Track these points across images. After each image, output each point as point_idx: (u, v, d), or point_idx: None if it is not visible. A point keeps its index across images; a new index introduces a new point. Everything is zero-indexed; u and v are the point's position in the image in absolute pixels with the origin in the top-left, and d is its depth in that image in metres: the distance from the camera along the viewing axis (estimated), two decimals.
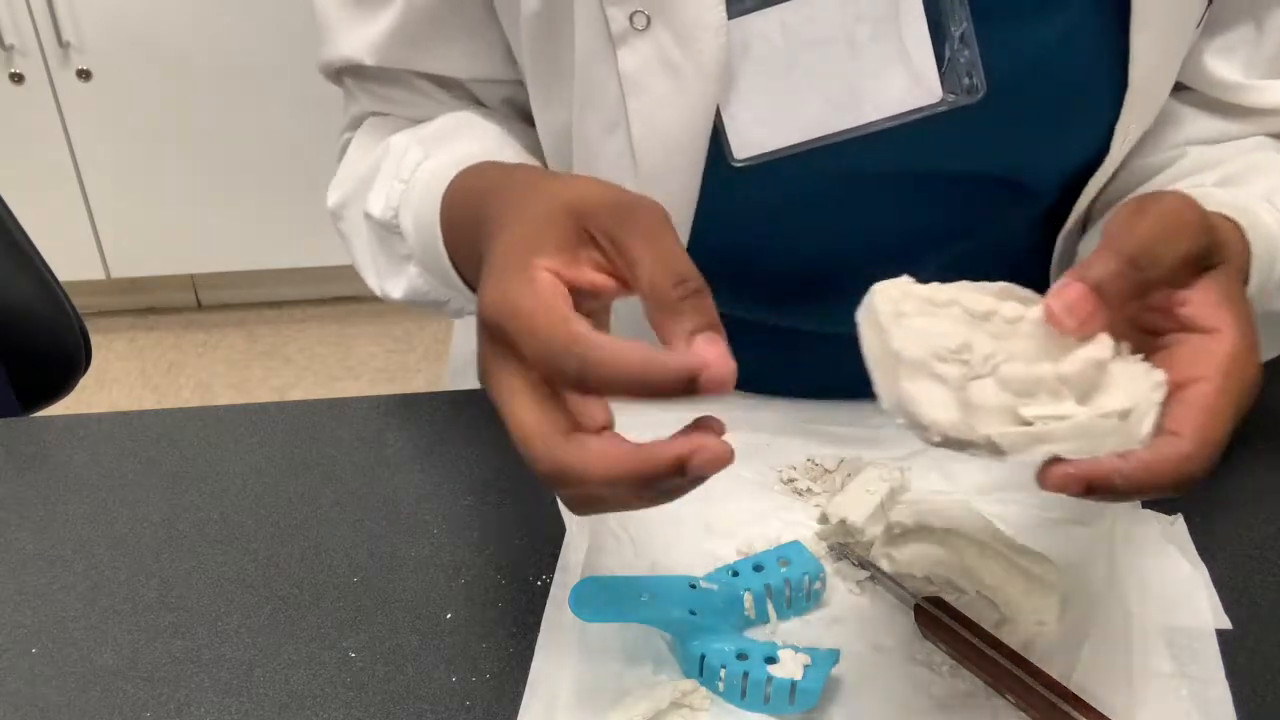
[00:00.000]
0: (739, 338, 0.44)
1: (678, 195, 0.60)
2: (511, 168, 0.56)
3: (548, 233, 0.45)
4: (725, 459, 0.42)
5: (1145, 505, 0.61)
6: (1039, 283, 0.46)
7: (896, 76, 0.57)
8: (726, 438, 0.66)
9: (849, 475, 0.62)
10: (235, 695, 0.53)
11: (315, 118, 2.08)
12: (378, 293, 0.69)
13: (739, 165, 0.59)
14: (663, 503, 0.44)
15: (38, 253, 0.97)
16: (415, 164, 0.62)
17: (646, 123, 0.59)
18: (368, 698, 0.52)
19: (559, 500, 0.46)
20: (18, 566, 0.61)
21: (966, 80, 0.56)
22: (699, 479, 0.42)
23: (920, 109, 0.57)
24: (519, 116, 0.71)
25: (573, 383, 0.42)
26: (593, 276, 0.45)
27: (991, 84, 0.56)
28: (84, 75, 2.01)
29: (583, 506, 0.45)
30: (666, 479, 0.42)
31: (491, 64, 0.67)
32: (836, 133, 0.58)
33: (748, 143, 0.58)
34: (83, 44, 1.98)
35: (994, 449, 0.42)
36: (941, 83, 0.57)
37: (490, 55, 0.67)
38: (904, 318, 0.43)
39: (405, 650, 0.55)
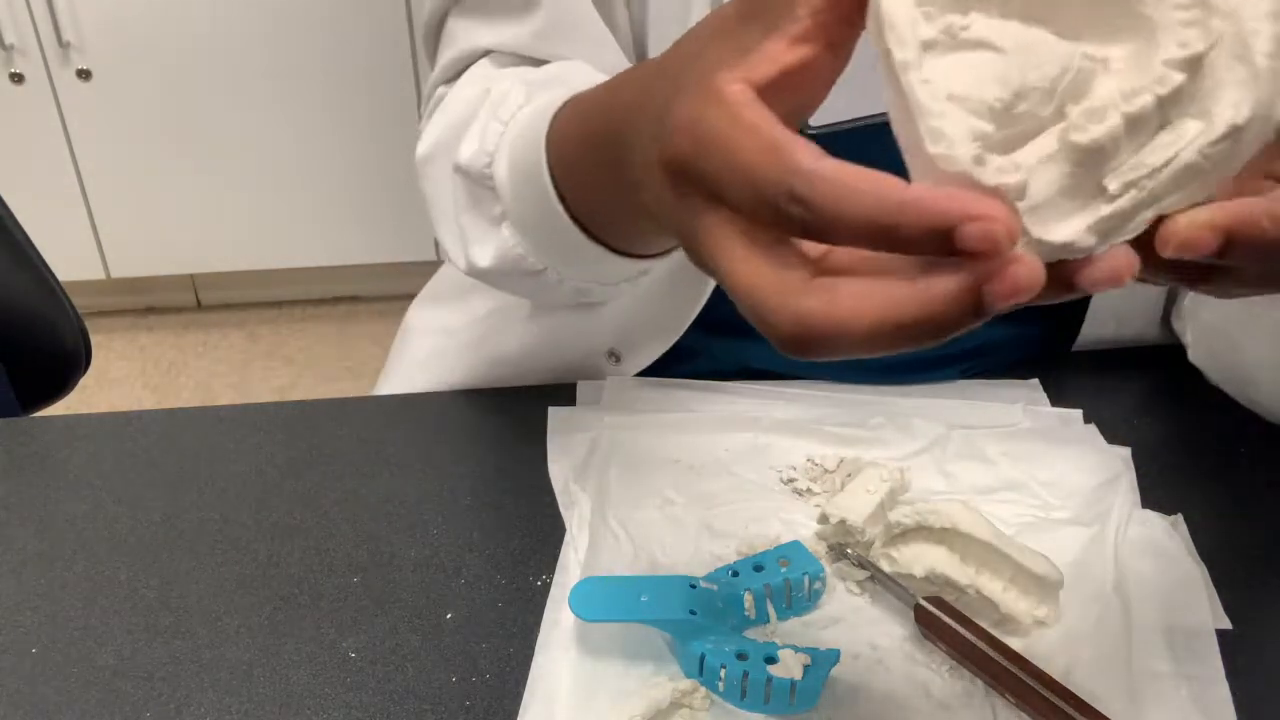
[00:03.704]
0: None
1: None
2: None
3: (718, 38, 0.37)
4: (1034, 282, 0.30)
5: (1145, 505, 0.61)
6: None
7: None
8: (726, 439, 0.67)
9: (849, 475, 0.62)
10: (235, 695, 0.53)
11: (316, 118, 2.09)
12: (460, 264, 0.62)
13: (812, 133, 0.55)
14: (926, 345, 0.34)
15: (38, 253, 0.97)
16: (516, 106, 0.56)
17: None
18: (368, 698, 0.52)
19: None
20: (18, 566, 0.60)
21: None
22: (979, 304, 0.31)
23: None
24: None
25: (795, 228, 0.32)
26: (790, 55, 0.35)
27: None
28: (84, 75, 2.01)
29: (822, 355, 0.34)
30: (954, 322, 0.31)
31: None
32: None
33: (825, 110, 0.57)
34: (83, 44, 1.98)
35: (1078, 250, 0.32)
36: None
37: None
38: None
39: (405, 650, 0.55)
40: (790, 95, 0.35)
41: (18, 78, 1.99)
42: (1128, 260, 0.32)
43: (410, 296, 0.87)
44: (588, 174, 0.50)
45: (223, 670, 0.54)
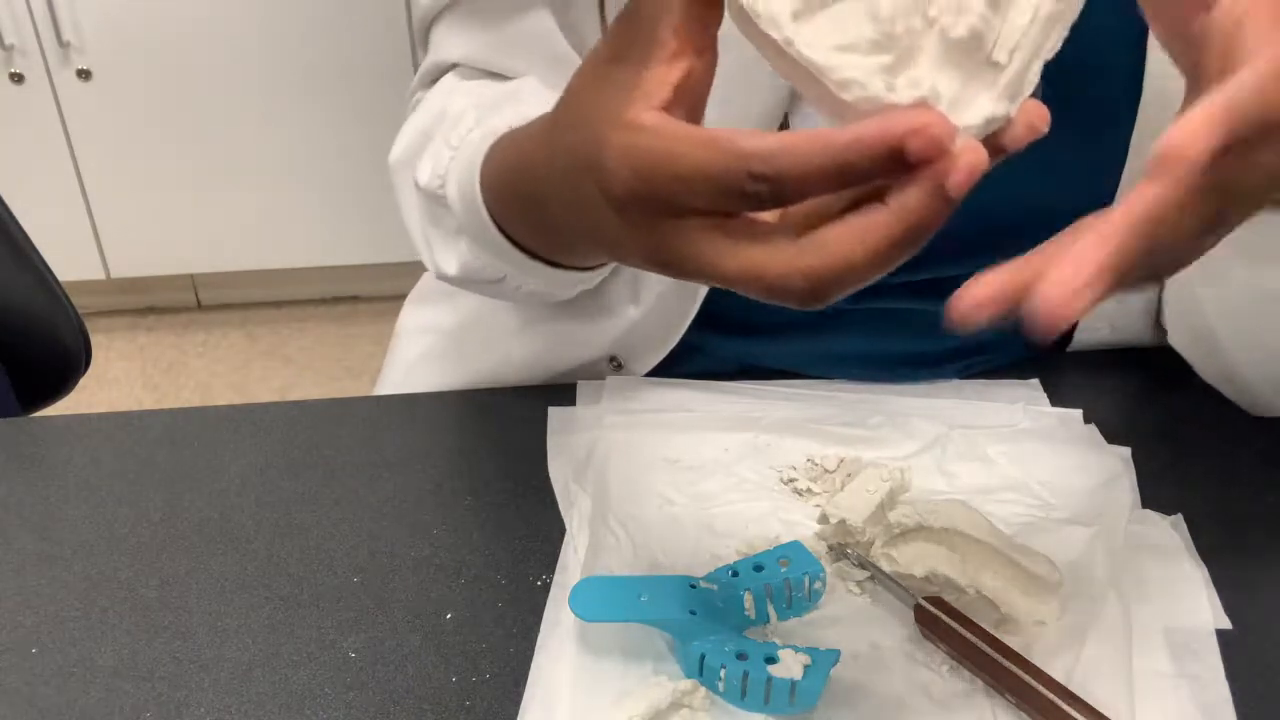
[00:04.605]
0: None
1: None
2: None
3: (601, 86, 0.41)
4: (982, 161, 0.35)
5: (1145, 505, 0.61)
6: None
7: None
8: (726, 439, 0.67)
9: (849, 475, 0.62)
10: (235, 695, 0.53)
11: (316, 118, 2.09)
12: (432, 271, 0.67)
13: None
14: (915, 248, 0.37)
15: (38, 253, 0.97)
16: (467, 130, 0.61)
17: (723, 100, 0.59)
18: (368, 698, 0.52)
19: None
20: (18, 566, 0.60)
21: None
22: (947, 198, 0.35)
23: None
24: None
25: (762, 202, 0.37)
26: (673, 74, 0.39)
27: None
28: (84, 75, 2.01)
29: (836, 296, 0.38)
30: (932, 223, 0.36)
31: None
32: None
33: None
34: (83, 44, 1.98)
35: (999, 120, 0.37)
36: None
37: None
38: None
39: (405, 650, 0.55)
40: (685, 107, 0.40)
41: (18, 78, 1.99)
42: (1037, 110, 0.37)
43: None
44: (517, 221, 0.56)
45: (223, 670, 0.54)
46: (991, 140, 0.37)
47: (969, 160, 0.34)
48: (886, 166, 0.35)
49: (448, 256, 0.64)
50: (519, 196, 0.54)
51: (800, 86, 0.38)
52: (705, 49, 0.40)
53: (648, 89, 0.39)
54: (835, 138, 0.35)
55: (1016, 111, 0.37)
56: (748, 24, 0.38)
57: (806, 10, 0.37)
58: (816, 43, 0.36)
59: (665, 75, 0.39)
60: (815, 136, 0.35)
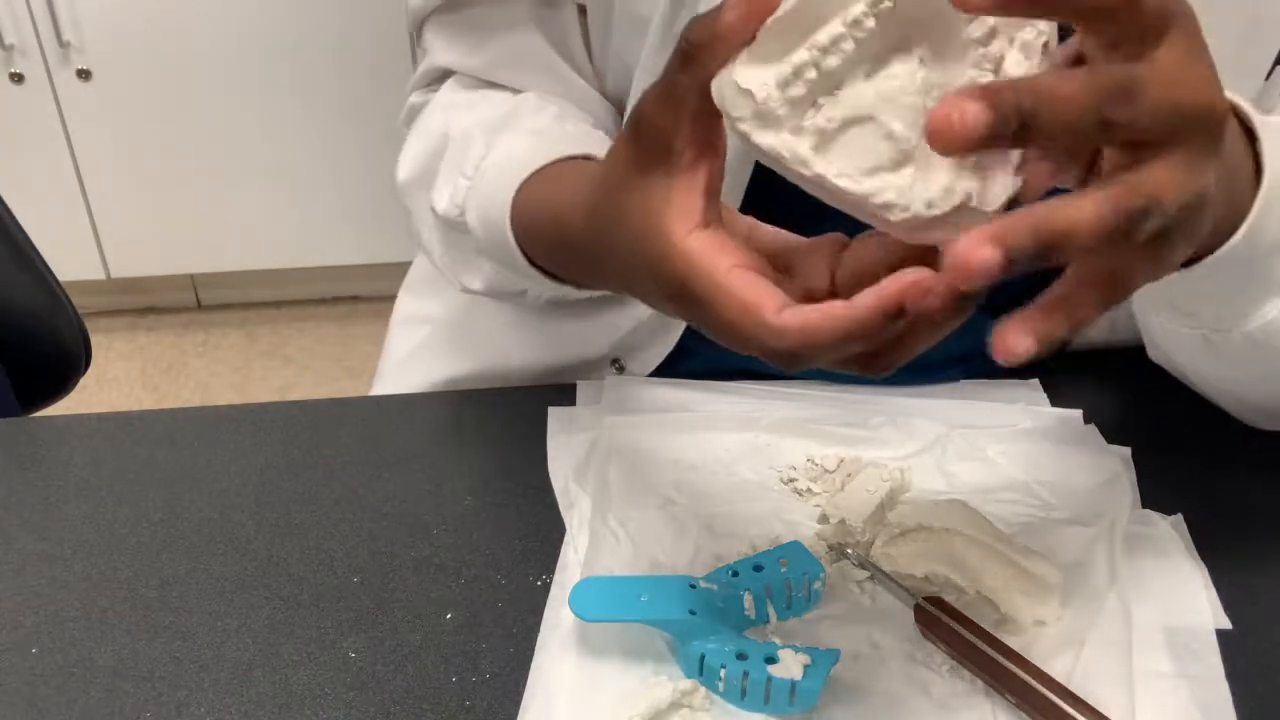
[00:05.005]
0: None
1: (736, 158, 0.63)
2: (576, 174, 0.58)
3: (638, 195, 0.44)
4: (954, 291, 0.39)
5: (1145, 505, 0.61)
6: None
7: None
8: (726, 439, 0.67)
9: (849, 475, 0.62)
10: (235, 695, 0.53)
11: (315, 118, 2.09)
12: (456, 286, 0.71)
13: None
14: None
15: (38, 253, 0.97)
16: (479, 158, 0.64)
17: None
18: (368, 698, 0.52)
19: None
20: (18, 566, 0.60)
21: None
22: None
23: None
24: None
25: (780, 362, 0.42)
26: (698, 179, 0.44)
27: None
28: (84, 75, 2.01)
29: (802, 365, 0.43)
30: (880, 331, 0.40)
31: None
32: None
33: None
34: (83, 44, 1.98)
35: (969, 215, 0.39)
36: None
37: None
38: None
39: (405, 650, 0.55)
40: (715, 197, 0.44)
41: (18, 78, 1.99)
42: (1044, 171, 0.40)
43: None
44: (556, 265, 0.60)
45: (223, 670, 0.54)
46: (1011, 202, 0.40)
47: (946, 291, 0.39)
48: (892, 322, 0.39)
49: (471, 275, 0.68)
50: (567, 252, 0.58)
51: (828, 199, 0.40)
52: (715, 144, 0.43)
53: (684, 204, 0.43)
54: (846, 313, 0.39)
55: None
56: (775, 161, 0.40)
57: (822, 142, 0.39)
58: (846, 172, 0.39)
59: (692, 185, 0.43)
60: (829, 314, 0.39)
